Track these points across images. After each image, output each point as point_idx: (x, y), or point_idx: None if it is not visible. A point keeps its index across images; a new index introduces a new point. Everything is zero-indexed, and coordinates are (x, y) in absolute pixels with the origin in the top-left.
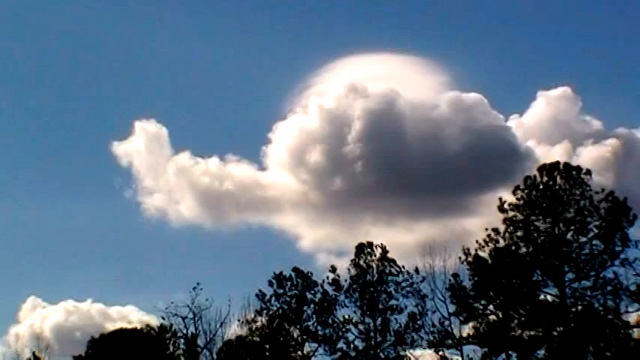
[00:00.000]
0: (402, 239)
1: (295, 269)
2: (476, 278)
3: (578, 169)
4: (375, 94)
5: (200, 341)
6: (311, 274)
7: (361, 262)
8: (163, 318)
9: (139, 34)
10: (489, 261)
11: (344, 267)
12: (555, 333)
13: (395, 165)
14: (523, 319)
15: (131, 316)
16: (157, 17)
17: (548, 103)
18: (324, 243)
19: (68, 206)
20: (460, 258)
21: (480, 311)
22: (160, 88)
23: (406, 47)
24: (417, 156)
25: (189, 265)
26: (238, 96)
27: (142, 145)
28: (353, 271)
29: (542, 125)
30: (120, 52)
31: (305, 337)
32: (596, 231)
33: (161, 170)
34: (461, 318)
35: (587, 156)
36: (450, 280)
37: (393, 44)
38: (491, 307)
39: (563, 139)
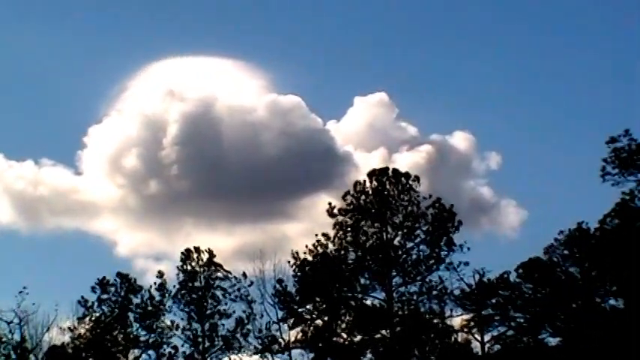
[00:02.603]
0: (222, 243)
1: (119, 274)
2: (302, 283)
3: (407, 175)
4: (192, 98)
5: (26, 347)
6: (135, 279)
7: (188, 268)
8: None
9: None
10: (317, 265)
11: (164, 271)
12: (381, 337)
13: (213, 169)
14: (350, 323)
15: None
16: None
17: (365, 109)
18: (141, 248)
19: None
20: (289, 262)
21: (307, 316)
22: None
23: (224, 51)
24: (235, 160)
25: (5, 270)
26: (53, 98)
27: None
28: (181, 277)
29: (359, 131)
30: None
31: (129, 343)
32: (423, 236)
33: None
34: (288, 323)
35: (403, 162)
36: (275, 286)
37: (211, 48)
38: (317, 312)
39: (379, 145)
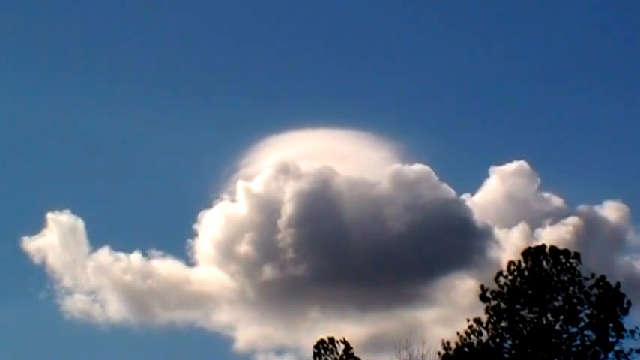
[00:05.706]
0: (352, 333)
1: None
2: None
3: (566, 252)
4: (308, 174)
5: None
6: None
7: None
8: None
9: (48, 115)
10: (469, 356)
11: None
12: None
13: (335, 251)
14: None
15: None
16: (69, 99)
17: (502, 179)
18: (261, 340)
19: None
20: (439, 353)
21: None
22: (73, 175)
23: (341, 121)
24: (359, 239)
25: None
26: (159, 184)
27: (56, 240)
28: None
29: (497, 203)
30: (26, 135)
31: None
32: (587, 320)
33: (79, 268)
34: None
35: (547, 237)
36: None
37: (327, 119)
38: None
39: (520, 218)
